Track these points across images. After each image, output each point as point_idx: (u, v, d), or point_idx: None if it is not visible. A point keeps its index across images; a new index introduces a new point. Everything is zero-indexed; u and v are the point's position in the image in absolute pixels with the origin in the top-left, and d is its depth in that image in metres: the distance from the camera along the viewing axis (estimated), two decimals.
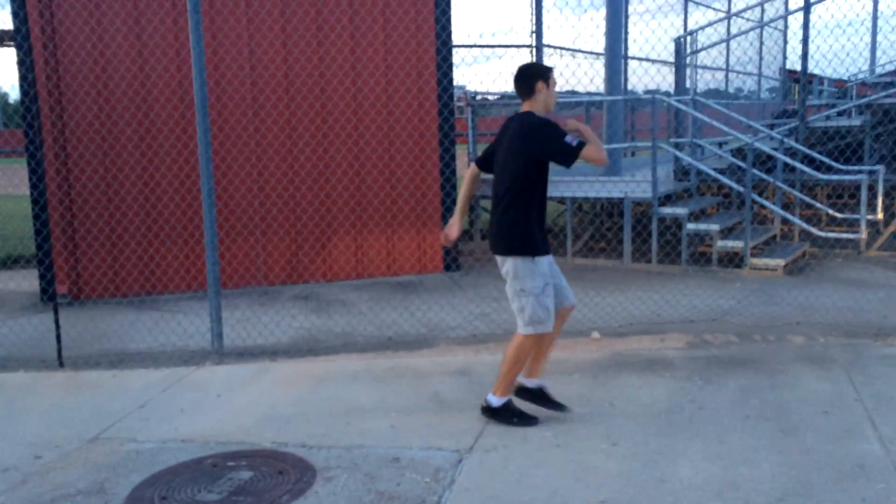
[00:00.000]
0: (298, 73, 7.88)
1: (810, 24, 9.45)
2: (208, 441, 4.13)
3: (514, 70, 4.17)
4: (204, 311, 6.65)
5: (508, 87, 11.50)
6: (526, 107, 4.12)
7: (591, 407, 4.41)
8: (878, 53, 15.38)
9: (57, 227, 7.49)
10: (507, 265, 4.06)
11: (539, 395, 4.30)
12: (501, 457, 3.80)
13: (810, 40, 9.48)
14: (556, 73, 4.21)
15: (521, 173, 4.01)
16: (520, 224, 4.03)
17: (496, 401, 4.19)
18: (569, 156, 3.91)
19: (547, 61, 11.62)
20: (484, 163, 4.33)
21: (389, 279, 8.33)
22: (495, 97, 12.45)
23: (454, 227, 4.33)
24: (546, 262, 4.08)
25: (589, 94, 11.40)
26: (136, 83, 7.56)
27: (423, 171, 8.35)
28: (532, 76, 4.08)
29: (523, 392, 4.31)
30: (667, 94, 11.24)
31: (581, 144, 3.89)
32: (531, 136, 3.97)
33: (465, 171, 4.45)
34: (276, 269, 8.13)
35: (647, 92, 13.19)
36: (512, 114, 4.30)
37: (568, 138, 3.90)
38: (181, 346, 5.99)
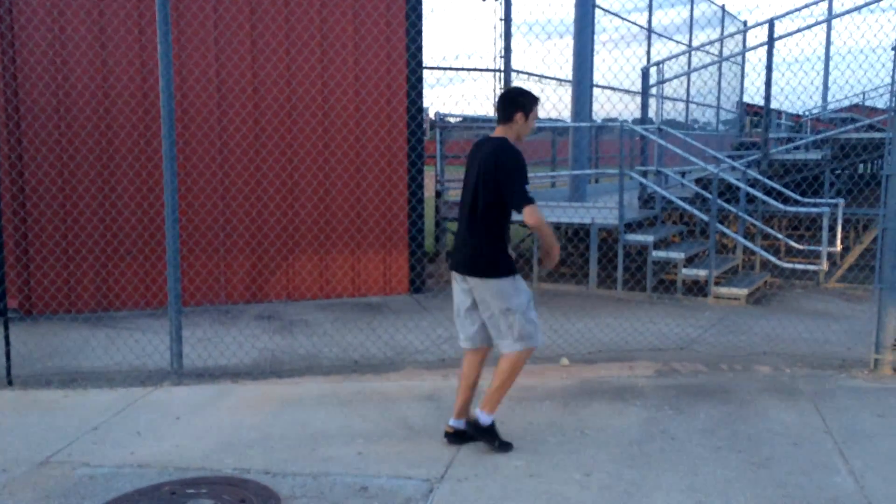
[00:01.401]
0: (269, 89, 7.76)
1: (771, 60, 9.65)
2: (166, 467, 3.95)
3: (504, 91, 4.13)
4: (162, 328, 6.44)
5: (472, 110, 11.54)
6: (499, 131, 4.09)
7: (563, 436, 4.34)
8: (833, 89, 15.85)
9: (10, 240, 7.19)
10: (489, 287, 4.00)
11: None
12: (473, 487, 3.70)
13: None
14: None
15: (496, 197, 3.96)
16: (498, 246, 4.02)
17: (485, 418, 4.11)
18: (521, 202, 3.86)
19: (514, 85, 11.68)
20: None
21: (354, 300, 8.19)
22: (457, 119, 12.47)
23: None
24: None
25: (552, 120, 11.46)
26: (98, 93, 7.35)
27: (395, 192, 8.26)
28: (515, 105, 4.04)
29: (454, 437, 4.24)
30: (620, 122, 11.38)
31: (532, 200, 3.86)
32: (502, 163, 3.93)
33: None
34: (239, 288, 7.93)
35: (607, 120, 13.37)
36: (482, 136, 4.25)
37: (527, 187, 3.88)
38: (138, 365, 5.77)
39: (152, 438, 4.34)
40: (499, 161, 3.94)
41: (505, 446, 4.12)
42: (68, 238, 7.37)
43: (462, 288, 4.14)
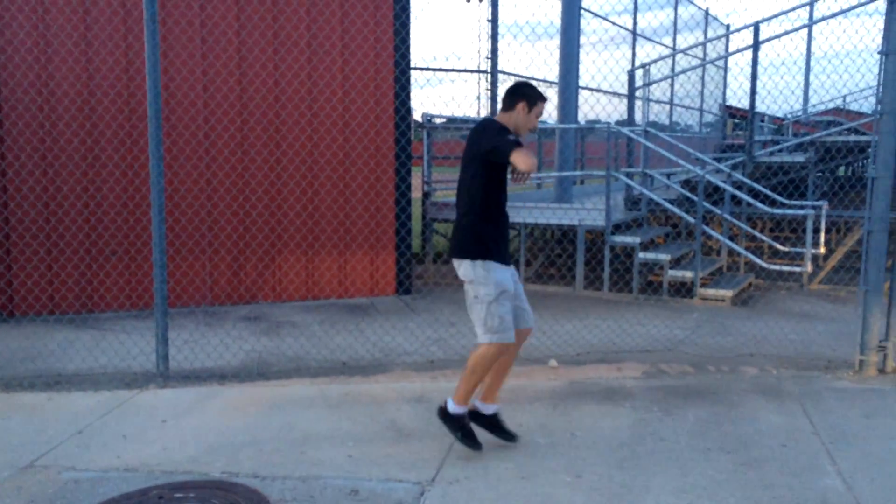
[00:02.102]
0: (256, 90, 7.70)
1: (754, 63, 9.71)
2: (153, 470, 3.91)
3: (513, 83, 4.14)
4: (147, 330, 6.39)
5: (460, 111, 11.54)
6: (497, 118, 4.05)
7: (553, 437, 4.34)
8: (819, 92, 16.02)
9: None
10: (462, 270, 3.96)
11: (492, 423, 4.21)
12: (465, 489, 3.69)
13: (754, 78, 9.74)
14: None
15: (475, 176, 3.93)
16: (475, 228, 3.94)
17: (453, 407, 4.05)
18: (502, 148, 3.75)
19: (500, 87, 11.68)
20: None
21: (341, 301, 8.16)
22: (443, 120, 12.46)
23: None
24: (503, 272, 3.94)
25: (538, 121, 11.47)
26: (84, 92, 7.26)
27: (383, 192, 8.23)
28: (519, 94, 4.00)
29: (479, 419, 4.19)
30: (608, 124, 11.42)
31: (518, 142, 3.77)
32: (479, 136, 3.91)
33: None
34: (225, 289, 7.87)
35: (592, 121, 13.40)
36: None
37: (510, 138, 3.81)
38: (123, 367, 5.71)
39: (139, 442, 4.29)
40: (479, 133, 3.90)
41: (470, 443, 4.02)
42: (52, 238, 7.28)
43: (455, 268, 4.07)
